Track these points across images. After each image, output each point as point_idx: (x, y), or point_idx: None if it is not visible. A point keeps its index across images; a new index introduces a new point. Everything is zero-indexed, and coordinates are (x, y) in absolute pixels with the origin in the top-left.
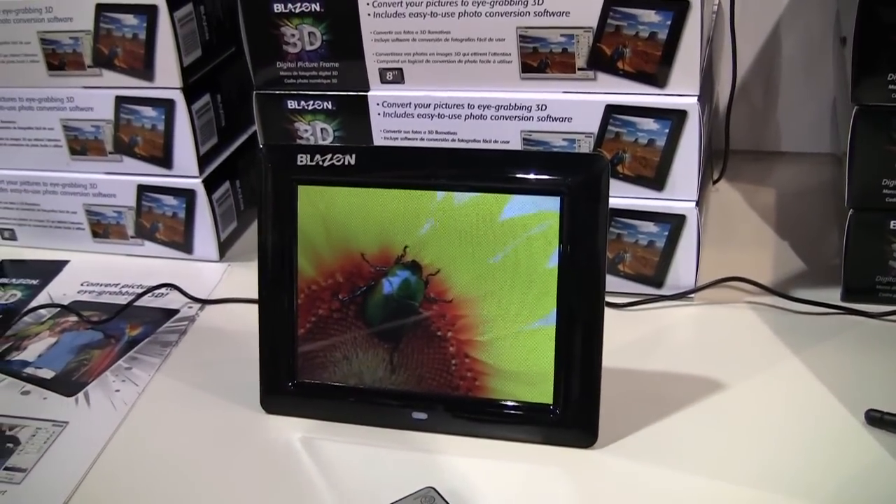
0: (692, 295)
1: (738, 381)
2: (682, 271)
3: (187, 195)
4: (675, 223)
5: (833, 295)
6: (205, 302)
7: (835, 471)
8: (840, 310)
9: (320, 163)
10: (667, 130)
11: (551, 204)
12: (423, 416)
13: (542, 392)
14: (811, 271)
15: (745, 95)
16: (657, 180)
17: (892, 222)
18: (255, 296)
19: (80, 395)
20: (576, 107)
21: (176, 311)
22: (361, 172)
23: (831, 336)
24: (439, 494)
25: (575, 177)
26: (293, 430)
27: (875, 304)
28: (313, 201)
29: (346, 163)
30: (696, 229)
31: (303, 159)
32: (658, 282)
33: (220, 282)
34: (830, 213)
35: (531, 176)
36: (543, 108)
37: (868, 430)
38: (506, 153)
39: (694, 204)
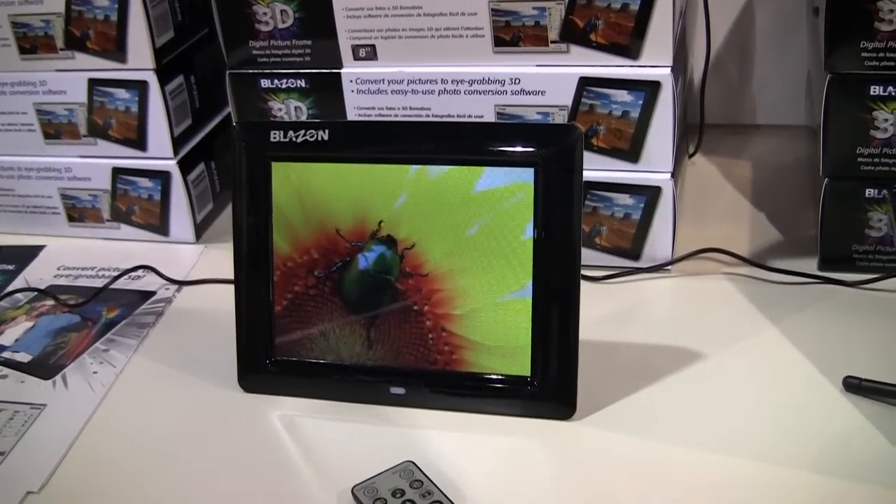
0: (669, 267)
1: (716, 352)
2: (658, 243)
3: (162, 177)
4: (650, 195)
5: (810, 265)
6: (181, 283)
7: (814, 438)
8: (817, 279)
9: (293, 139)
10: (640, 102)
11: (525, 175)
12: (400, 390)
13: (520, 365)
14: (788, 242)
15: (720, 69)
16: (632, 152)
17: (867, 190)
18: (232, 276)
19: (58, 377)
20: (549, 80)
21: (153, 293)
22: (335, 147)
23: (808, 305)
24: (418, 468)
25: (548, 148)
26: (272, 408)
27: (852, 272)
28: (287, 178)
29: (320, 138)
30: (672, 201)
31: (276, 136)
32: (635, 254)
33: (196, 263)
34: (807, 185)
35: (504, 148)
36: (517, 81)
37: (846, 396)
38: (478, 125)
39: (669, 175)
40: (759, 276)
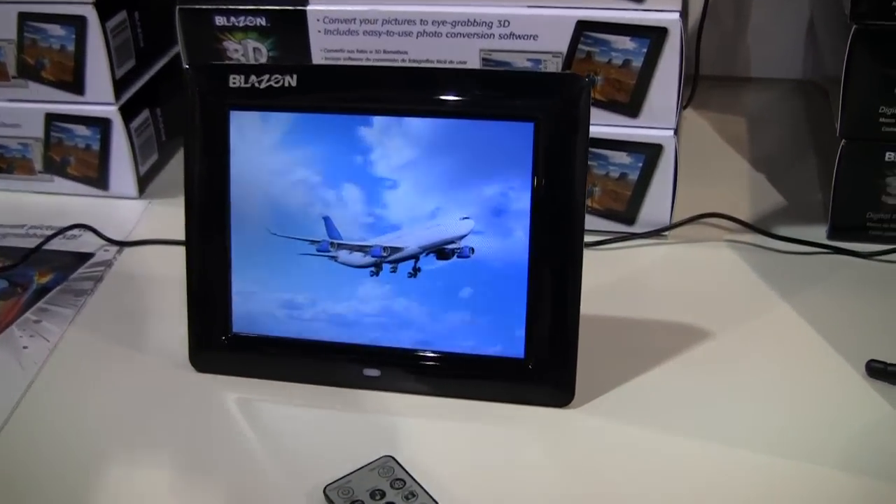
0: (666, 232)
1: (724, 330)
2: (656, 207)
3: (101, 125)
4: (650, 153)
5: (817, 232)
6: (123, 244)
7: (833, 428)
8: (827, 249)
9: (256, 84)
10: (644, 50)
11: (523, 131)
12: (375, 372)
13: (513, 345)
14: (791, 206)
15: (714, 17)
16: (632, 106)
17: (888, 154)
18: (181, 236)
19: None
20: (542, 23)
21: (90, 255)
22: (303, 95)
23: (818, 278)
24: (399, 464)
25: (550, 100)
26: (228, 390)
27: (864, 242)
28: (248, 128)
29: (287, 84)
30: (674, 160)
31: (236, 80)
32: (630, 218)
33: (139, 221)
34: (805, 143)
35: (497, 99)
36: (506, 23)
37: (869, 382)
38: (470, 72)
39: (672, 132)
40: (764, 245)
